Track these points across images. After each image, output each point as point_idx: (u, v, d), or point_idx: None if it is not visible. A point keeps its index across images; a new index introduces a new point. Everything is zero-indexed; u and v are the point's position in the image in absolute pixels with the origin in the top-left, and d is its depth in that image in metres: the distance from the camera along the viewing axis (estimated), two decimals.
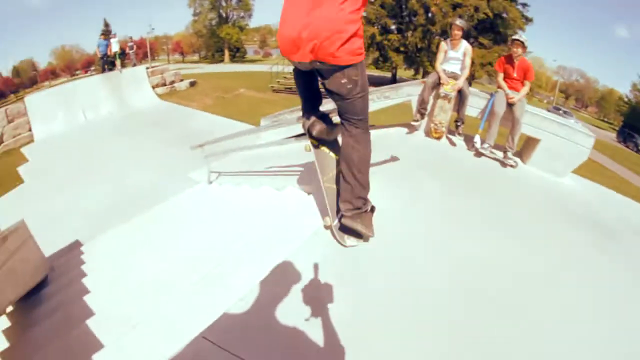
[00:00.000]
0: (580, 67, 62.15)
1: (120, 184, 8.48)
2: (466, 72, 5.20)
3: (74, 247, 5.71)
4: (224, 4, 47.30)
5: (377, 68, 33.83)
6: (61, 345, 2.60)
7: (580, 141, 4.95)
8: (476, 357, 1.99)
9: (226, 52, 48.35)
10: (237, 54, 50.47)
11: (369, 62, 29.74)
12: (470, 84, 5.28)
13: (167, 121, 13.77)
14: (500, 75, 5.21)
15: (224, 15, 47.79)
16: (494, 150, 5.04)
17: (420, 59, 30.41)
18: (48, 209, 7.61)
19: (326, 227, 2.88)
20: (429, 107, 5.37)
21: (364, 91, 2.44)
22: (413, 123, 5.47)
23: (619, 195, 5.19)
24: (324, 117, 2.91)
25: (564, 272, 2.93)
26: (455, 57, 5.27)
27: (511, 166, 4.92)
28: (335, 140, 3.07)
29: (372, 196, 2.78)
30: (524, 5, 29.82)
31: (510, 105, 4.98)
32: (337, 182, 2.88)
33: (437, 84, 5.26)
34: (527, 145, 5.37)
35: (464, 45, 5.26)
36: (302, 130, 3.03)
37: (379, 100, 5.72)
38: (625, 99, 47.08)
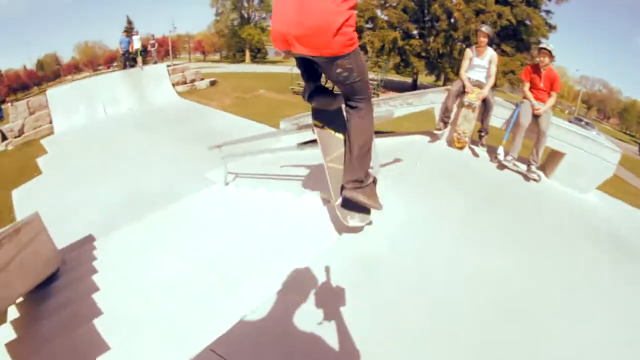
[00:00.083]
0: (603, 77, 61.08)
1: (136, 180, 8.51)
2: (491, 81, 5.05)
3: (87, 242, 5.72)
4: (245, 4, 47.63)
5: (397, 73, 33.61)
6: (67, 343, 2.57)
7: (606, 156, 4.77)
8: None
9: (247, 53, 48.56)
10: (258, 55, 50.66)
11: (389, 67, 29.50)
12: None
13: (186, 119, 13.81)
14: (527, 85, 5.03)
15: (245, 15, 48.10)
16: (517, 163, 4.88)
17: (442, 65, 30.05)
18: (64, 201, 7.70)
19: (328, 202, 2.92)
20: (452, 116, 5.23)
21: (361, 75, 2.46)
22: (436, 132, 5.33)
23: None
24: (325, 89, 2.94)
25: (582, 291, 2.88)
26: (480, 64, 5.12)
27: (534, 180, 4.74)
28: (341, 121, 3.08)
29: (393, 205, 2.86)
30: (548, 12, 29.17)
31: (535, 116, 4.81)
32: (342, 162, 2.91)
33: (462, 92, 5.11)
34: (551, 159, 5.19)
35: (490, 52, 5.11)
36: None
37: (401, 107, 5.61)
38: None
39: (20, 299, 3.71)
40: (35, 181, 9.26)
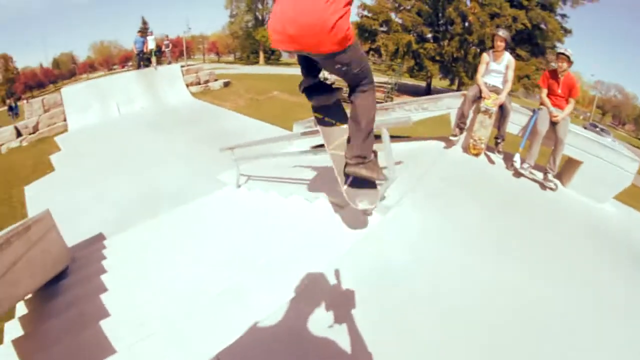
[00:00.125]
0: (618, 83, 60.09)
1: (148, 180, 8.55)
2: (508, 86, 4.93)
3: (97, 240, 5.73)
4: (260, 6, 47.92)
5: (411, 77, 33.34)
6: (72, 345, 2.54)
7: (625, 165, 4.63)
8: None
9: (261, 54, 48.71)
10: (272, 57, 50.84)
11: (403, 70, 29.29)
12: None
13: (199, 120, 13.85)
14: (544, 91, 4.91)
15: (260, 17, 48.36)
16: (533, 171, 4.76)
17: (456, 69, 29.60)
18: (76, 198, 7.77)
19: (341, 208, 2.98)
20: (468, 122, 5.13)
21: (361, 65, 2.53)
22: (451, 138, 5.23)
23: None
24: (322, 86, 3.06)
25: (598, 304, 2.84)
26: (497, 69, 5.01)
27: (551, 189, 4.63)
28: (340, 111, 3.22)
29: (408, 212, 2.94)
30: (563, 16, 28.38)
31: (553, 123, 4.69)
32: (344, 149, 2.98)
33: (478, 98, 5.00)
34: (568, 167, 5.05)
35: (507, 57, 4.99)
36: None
37: (417, 112, 5.52)
38: None
39: (29, 295, 3.71)
40: (47, 178, 9.36)
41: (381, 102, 17.87)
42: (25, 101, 18.15)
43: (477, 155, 5.13)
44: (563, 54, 4.68)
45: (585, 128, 7.80)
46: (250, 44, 49.78)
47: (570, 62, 4.68)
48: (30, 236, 3.61)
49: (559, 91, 4.77)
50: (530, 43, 27.91)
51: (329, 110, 3.15)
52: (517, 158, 4.77)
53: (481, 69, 5.08)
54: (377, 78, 26.55)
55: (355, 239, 2.97)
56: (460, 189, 4.18)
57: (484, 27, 26.34)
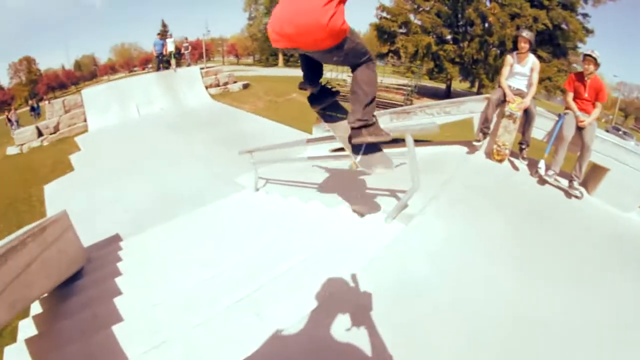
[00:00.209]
0: None
1: (166, 181, 8.59)
2: (533, 90, 4.77)
3: (113, 241, 5.75)
4: None
5: (431, 79, 33.01)
6: (83, 348, 2.50)
7: None
8: None
9: (280, 56, 48.68)
10: (292, 59, 50.83)
11: (423, 72, 29.00)
12: None
13: (218, 122, 13.90)
14: (570, 95, 4.73)
15: None
16: (558, 178, 4.59)
17: (477, 71, 29.13)
18: (94, 198, 7.85)
19: (354, 167, 3.00)
20: (492, 126, 4.98)
21: (357, 51, 2.60)
22: (475, 143, 5.09)
23: None
24: (323, 93, 3.26)
25: (623, 316, 2.75)
26: (521, 72, 4.85)
27: (576, 197, 4.45)
28: (340, 107, 3.43)
29: (431, 221, 2.92)
30: (585, 15, 27.61)
31: (579, 128, 4.51)
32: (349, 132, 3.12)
33: (502, 102, 4.86)
34: (594, 174, 4.85)
35: (532, 59, 4.83)
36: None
37: (439, 116, 5.39)
38: None
39: (45, 294, 3.71)
40: (67, 177, 9.51)
41: (401, 105, 17.68)
42: (47, 102, 18.55)
43: (500, 161, 4.97)
44: (590, 55, 4.49)
45: (607, 131, 7.54)
46: (269, 46, 49.61)
47: (597, 65, 4.49)
48: (46, 237, 3.61)
49: (586, 95, 4.59)
50: (552, 44, 27.26)
51: (329, 107, 3.40)
52: (542, 164, 4.61)
53: (505, 71, 4.93)
54: (397, 80, 26.39)
55: (377, 247, 2.92)
56: (483, 196, 4.08)
57: (505, 28, 25.93)
